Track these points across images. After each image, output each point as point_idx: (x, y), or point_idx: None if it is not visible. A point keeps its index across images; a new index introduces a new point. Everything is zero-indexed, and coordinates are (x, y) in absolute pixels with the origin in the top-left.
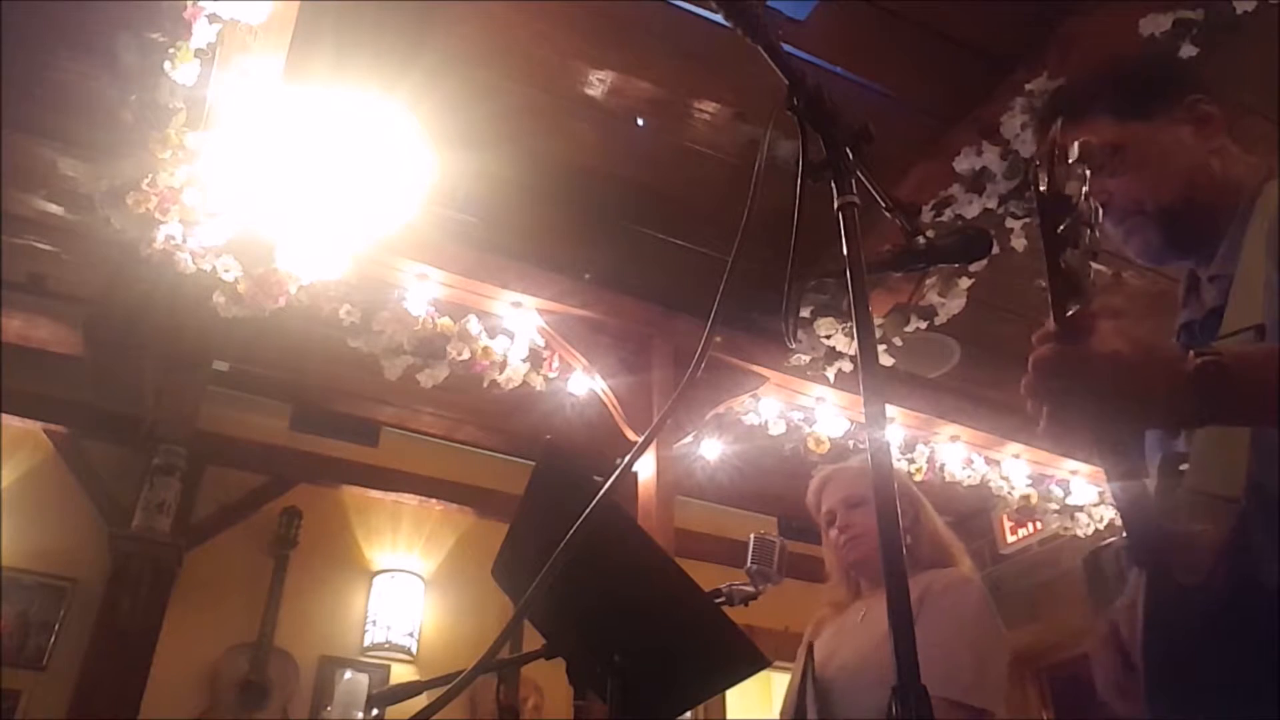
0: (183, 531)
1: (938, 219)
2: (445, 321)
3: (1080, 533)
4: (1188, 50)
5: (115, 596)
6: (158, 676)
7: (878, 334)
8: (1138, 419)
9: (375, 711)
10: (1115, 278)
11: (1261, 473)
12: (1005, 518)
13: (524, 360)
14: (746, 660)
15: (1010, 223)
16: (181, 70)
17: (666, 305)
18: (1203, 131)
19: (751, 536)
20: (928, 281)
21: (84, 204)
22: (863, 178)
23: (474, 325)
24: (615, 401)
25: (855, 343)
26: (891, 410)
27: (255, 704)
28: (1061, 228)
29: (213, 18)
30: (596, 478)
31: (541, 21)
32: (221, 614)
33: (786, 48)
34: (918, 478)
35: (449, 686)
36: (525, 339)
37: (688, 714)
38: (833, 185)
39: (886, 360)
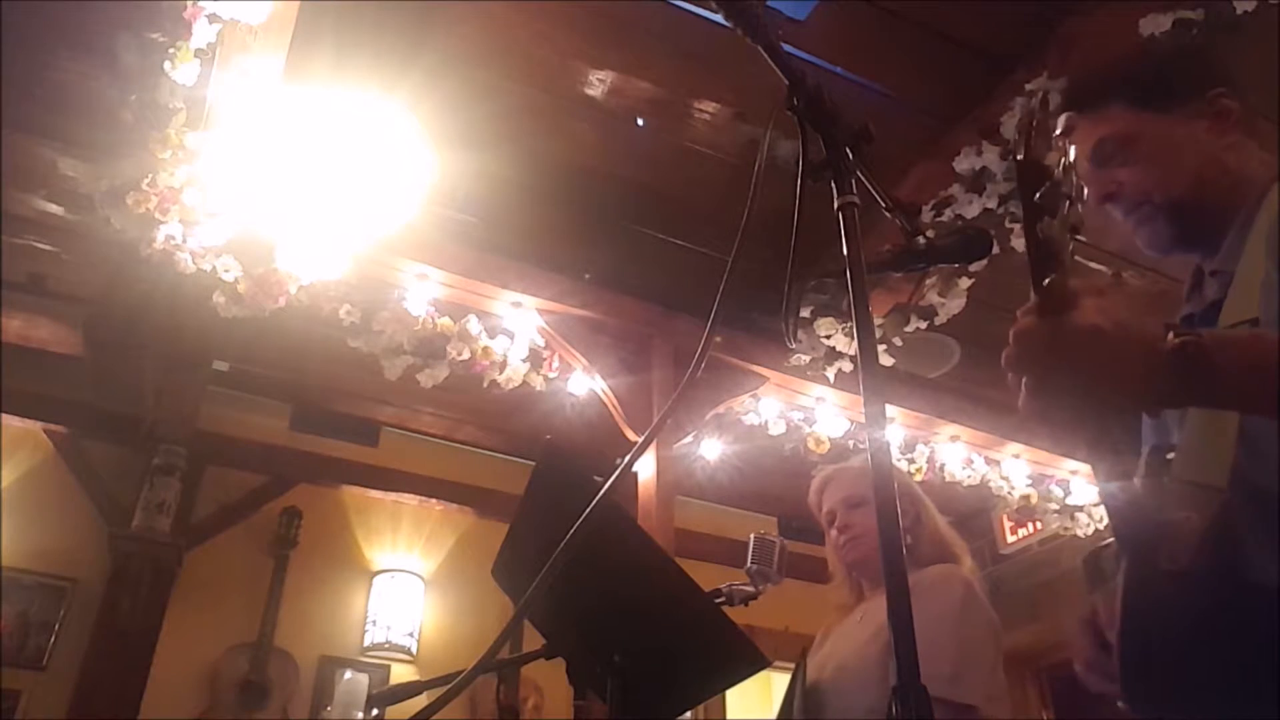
0: (183, 531)
1: (938, 219)
2: (445, 321)
3: (1080, 533)
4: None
5: (115, 596)
6: (158, 676)
7: (878, 334)
8: (1114, 395)
9: (375, 711)
10: (1115, 277)
11: (1247, 463)
12: (1005, 518)
13: (524, 360)
14: (746, 660)
15: (1010, 223)
16: (181, 70)
17: (666, 305)
18: (1219, 126)
19: (751, 536)
20: (928, 281)
21: (84, 204)
22: (863, 178)
23: (474, 325)
24: (615, 401)
25: (855, 343)
26: (891, 410)
27: (255, 704)
28: (1038, 195)
29: (213, 18)
30: (596, 478)
31: (541, 21)
32: (221, 614)
33: (786, 48)
34: (918, 478)
35: (449, 686)
36: (525, 339)
37: (688, 714)
38: (833, 185)
39: (886, 360)
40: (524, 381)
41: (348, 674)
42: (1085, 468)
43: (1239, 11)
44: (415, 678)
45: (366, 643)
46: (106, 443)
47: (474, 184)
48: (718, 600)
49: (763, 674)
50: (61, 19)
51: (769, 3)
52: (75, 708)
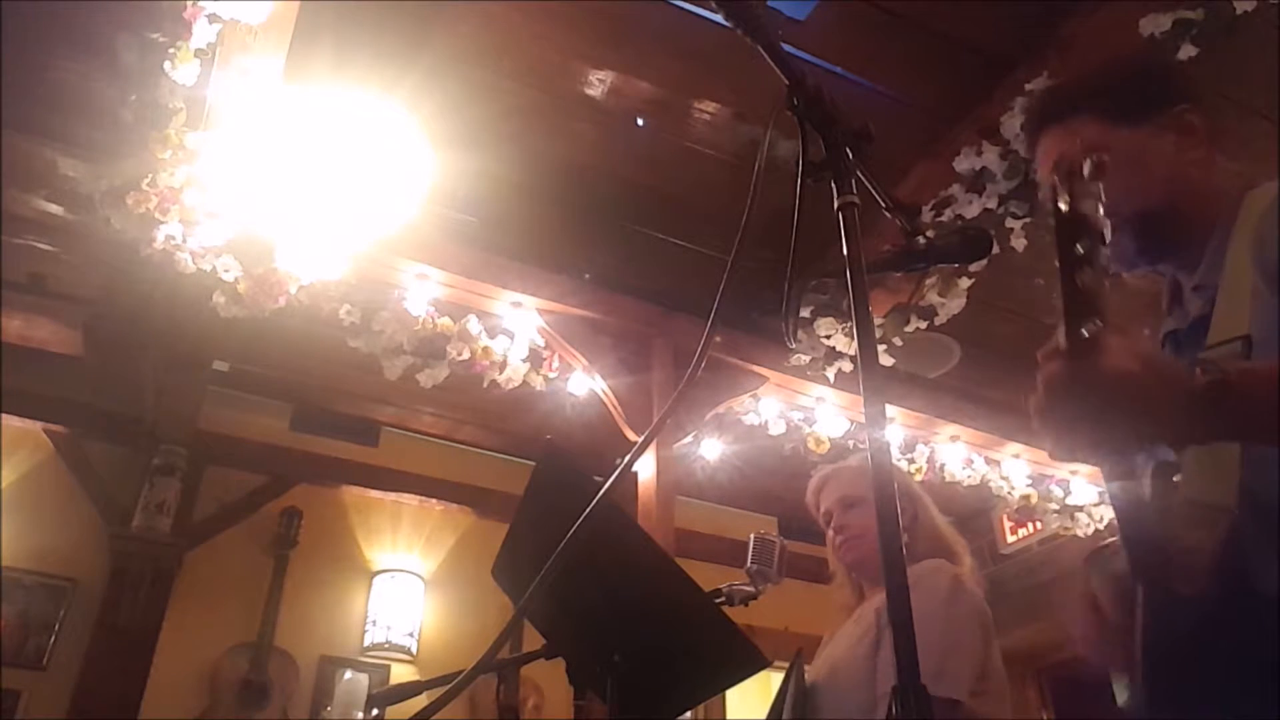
0: (183, 531)
1: (938, 219)
2: (445, 321)
3: (1080, 533)
4: (1187, 50)
5: (115, 596)
6: (158, 676)
7: (878, 334)
8: (1145, 437)
9: (375, 711)
10: (1115, 278)
11: (1253, 481)
12: (1005, 518)
13: (524, 360)
14: (746, 660)
15: (1010, 223)
16: (181, 70)
17: (666, 305)
18: (1185, 142)
19: (751, 536)
20: (928, 281)
21: (84, 204)
22: (863, 178)
23: (474, 325)
24: (615, 401)
25: (855, 343)
26: (891, 410)
27: (255, 704)
28: (1080, 247)
29: (213, 18)
30: (596, 478)
31: (541, 21)
32: (221, 614)
33: (786, 48)
34: (918, 478)
35: (449, 686)
36: (525, 339)
37: (688, 714)
38: (833, 185)
39: (886, 360)
40: (524, 381)
41: (348, 674)
42: (1085, 468)
43: (1238, 11)
44: (415, 678)
45: (366, 643)
46: (106, 443)
47: (474, 184)
48: (718, 600)
49: (763, 674)
50: (61, 19)
51: (769, 3)
52: (75, 708)
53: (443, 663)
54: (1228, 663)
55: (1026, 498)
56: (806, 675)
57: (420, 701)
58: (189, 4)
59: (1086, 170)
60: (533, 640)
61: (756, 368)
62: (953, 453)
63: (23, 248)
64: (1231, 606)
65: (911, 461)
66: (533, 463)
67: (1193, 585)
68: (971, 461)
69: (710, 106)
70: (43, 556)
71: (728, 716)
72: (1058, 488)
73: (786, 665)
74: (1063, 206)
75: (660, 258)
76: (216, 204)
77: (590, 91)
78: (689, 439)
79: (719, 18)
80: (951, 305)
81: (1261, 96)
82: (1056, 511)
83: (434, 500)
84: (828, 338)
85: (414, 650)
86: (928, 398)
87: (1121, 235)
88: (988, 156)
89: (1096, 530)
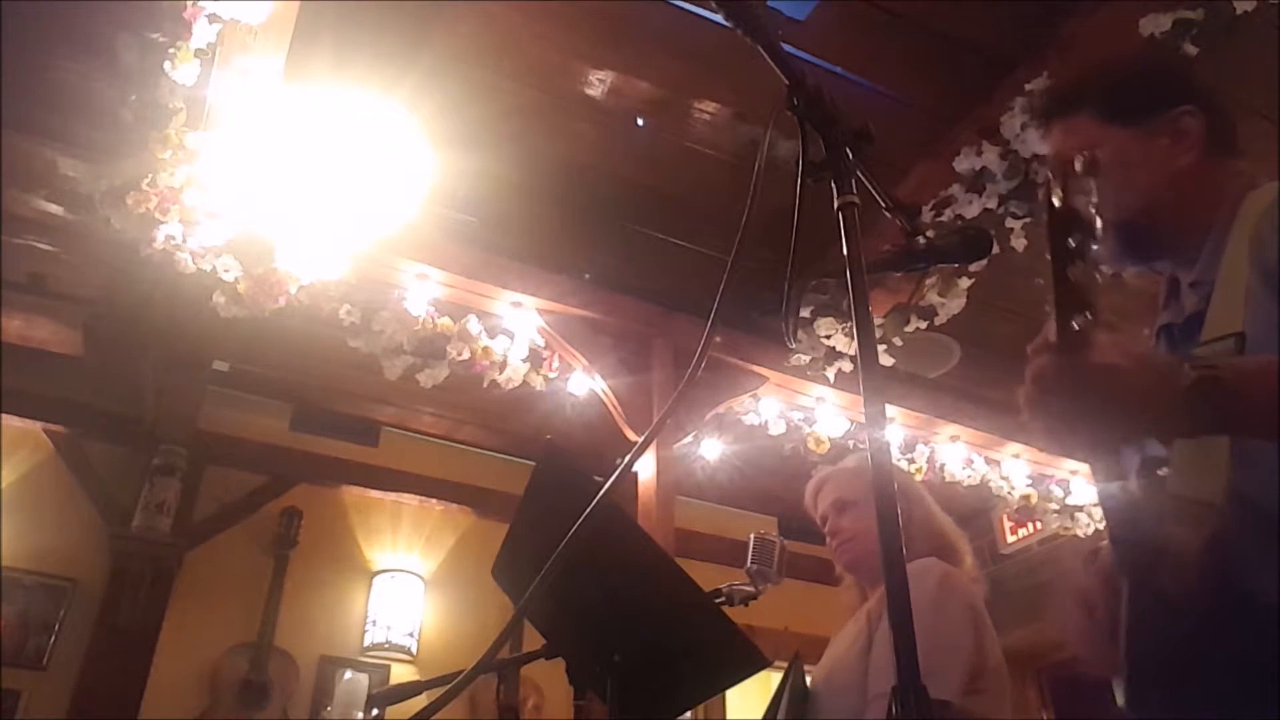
0: (183, 531)
1: (938, 219)
2: (445, 321)
3: (1080, 533)
4: (1187, 50)
5: (115, 596)
6: (158, 676)
7: (878, 334)
8: (1133, 431)
9: (375, 711)
10: (1114, 277)
11: (1242, 478)
12: (1005, 518)
13: (524, 360)
14: (746, 660)
15: (1010, 223)
16: (181, 70)
17: (666, 305)
18: (1178, 145)
19: (751, 536)
20: (928, 281)
21: (84, 204)
22: (863, 178)
23: (474, 325)
24: (615, 401)
25: (855, 343)
26: (891, 410)
27: (255, 704)
28: (1072, 242)
29: (213, 18)
30: (596, 478)
31: (541, 21)
32: (221, 614)
33: (786, 48)
34: (918, 478)
35: (449, 686)
36: (525, 339)
37: (688, 714)
38: (833, 185)
39: (886, 360)
40: (524, 381)
41: (348, 674)
42: (1085, 468)
43: (1239, 11)
44: (415, 678)
45: (366, 643)
46: (106, 443)
47: (474, 184)
48: (718, 600)
49: (763, 674)
50: (61, 19)
51: (769, 3)
52: (75, 708)
53: (443, 663)
54: (1210, 661)
55: (1026, 498)
56: (810, 678)
57: (420, 701)
58: (189, 4)
59: (1079, 166)
60: (533, 640)
61: (756, 368)
62: (953, 453)
63: (23, 248)
64: (1217, 605)
65: (911, 461)
66: (533, 463)
67: (1179, 582)
68: (971, 461)
69: (710, 106)
70: (43, 556)
71: (728, 716)
72: (1058, 488)
73: (786, 665)
74: (1055, 201)
75: (660, 258)
76: (216, 204)
77: (590, 91)
78: (689, 439)
79: (719, 18)
80: (951, 305)
81: (1261, 96)
82: (1056, 511)
83: (434, 500)
84: (828, 338)
85: (414, 650)
86: (928, 398)
87: (1110, 235)
88: (988, 156)
89: (1096, 530)
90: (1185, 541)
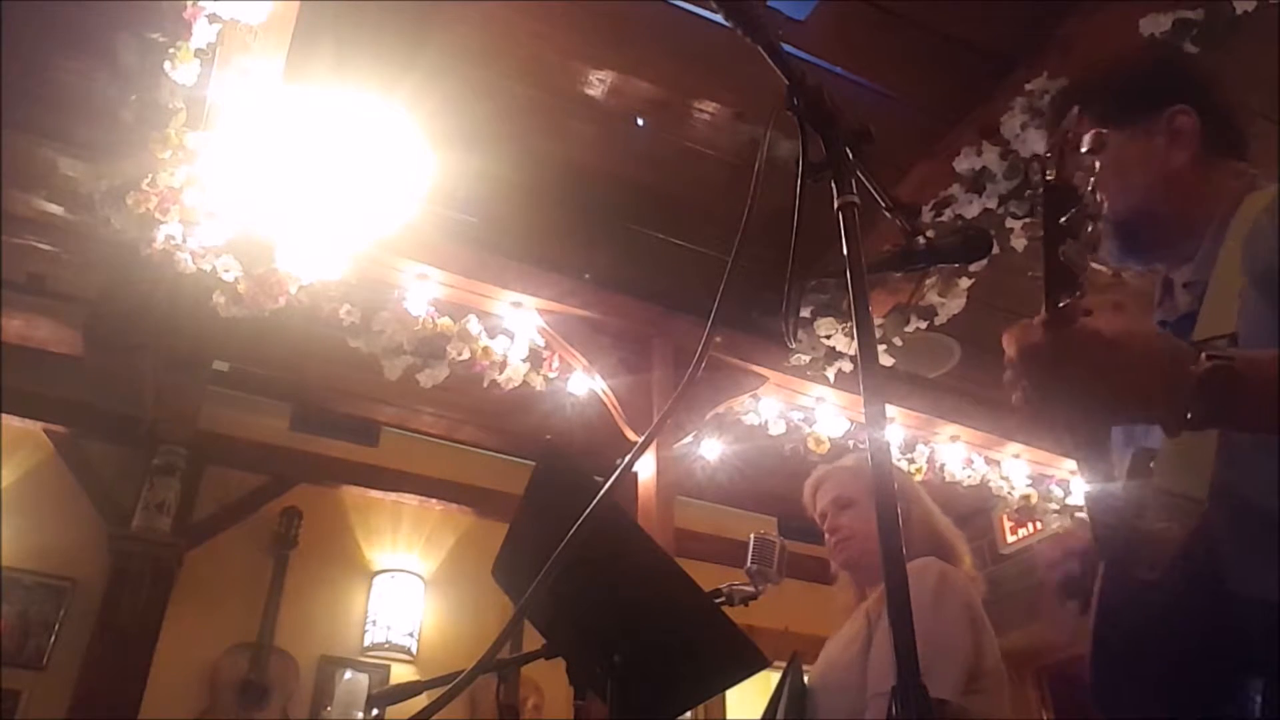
0: (183, 531)
1: (938, 219)
2: (445, 321)
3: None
4: (1187, 50)
5: (115, 596)
6: (158, 676)
7: (878, 334)
8: (1130, 411)
9: (375, 711)
10: (1115, 275)
11: (1227, 473)
12: (1005, 518)
13: (524, 360)
14: (746, 660)
15: (1010, 223)
16: (181, 70)
17: (666, 305)
18: (1176, 143)
19: (751, 536)
20: (928, 281)
21: (84, 204)
22: (863, 178)
23: (474, 325)
24: (615, 401)
25: (855, 343)
26: (891, 410)
27: (255, 704)
28: (1065, 219)
29: (213, 18)
30: (596, 478)
31: (541, 21)
32: (221, 614)
33: (786, 48)
34: (918, 478)
35: (449, 686)
36: (525, 339)
37: (688, 714)
38: (833, 185)
39: (886, 360)
40: (524, 381)
41: (348, 674)
42: None
43: (1239, 11)
44: (415, 678)
45: (366, 643)
46: (106, 443)
47: (474, 184)
48: (718, 600)
49: (763, 674)
50: (61, 19)
51: (769, 3)
52: (75, 708)
53: (443, 663)
54: (1181, 655)
55: (1026, 498)
56: (808, 677)
57: (420, 701)
58: (189, 4)
59: (1086, 144)
60: (533, 640)
61: (756, 368)
62: (953, 453)
63: (23, 248)
64: (1191, 599)
65: (911, 461)
66: (533, 463)
67: (1156, 570)
68: (971, 461)
69: (710, 106)
70: (43, 556)
71: (728, 716)
72: (1058, 488)
73: (785, 665)
74: (1049, 175)
75: (660, 258)
76: (216, 204)
77: (590, 91)
78: (689, 439)
79: (719, 18)
80: (951, 305)
81: (1262, 96)
82: (1056, 511)
83: (434, 500)
84: (828, 338)
85: (414, 650)
86: (928, 398)
87: (1110, 235)
88: (988, 156)
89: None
90: (1166, 533)
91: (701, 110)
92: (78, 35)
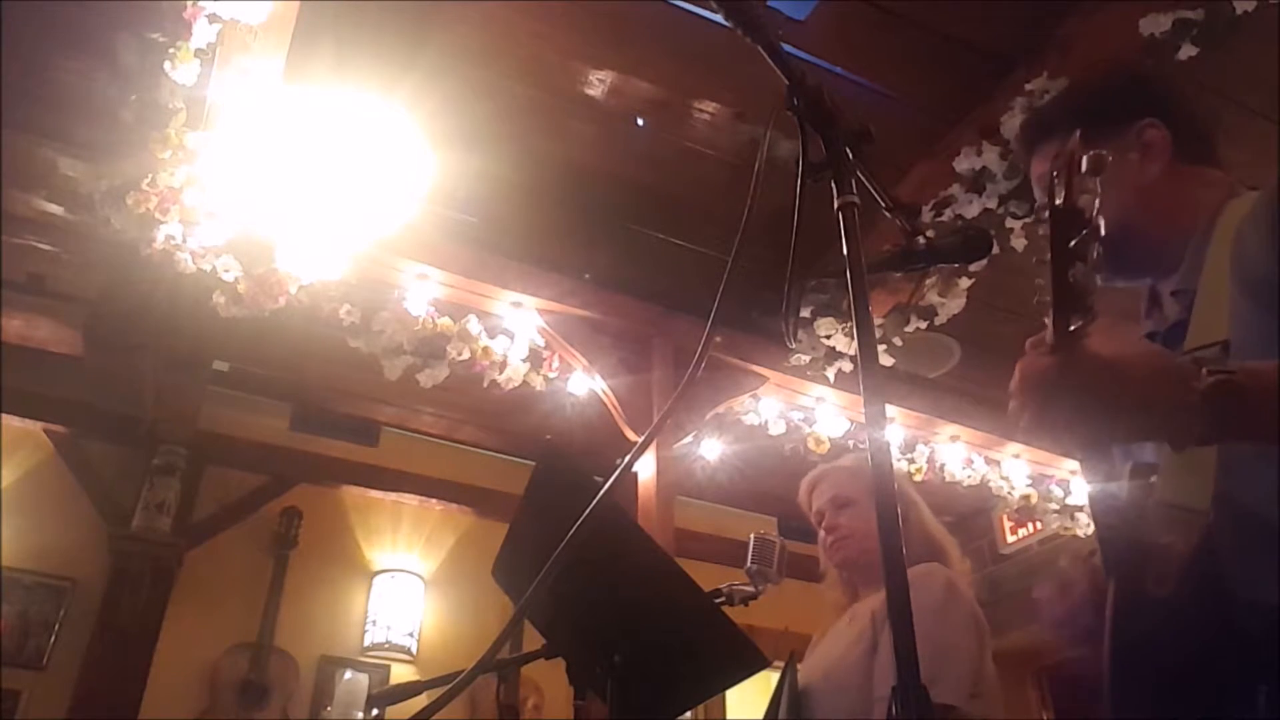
0: (183, 531)
1: (938, 219)
2: (445, 321)
3: (1080, 533)
4: (1188, 50)
5: (115, 596)
6: (158, 676)
7: (878, 334)
8: (1137, 432)
9: (375, 711)
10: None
11: (1229, 485)
12: (1005, 518)
13: (524, 360)
14: (746, 660)
15: (1010, 223)
16: (181, 70)
17: (666, 305)
18: (1148, 156)
19: (751, 536)
20: (928, 281)
21: (84, 204)
22: (863, 178)
23: (474, 325)
24: (615, 401)
25: (855, 343)
26: (891, 410)
27: (255, 704)
28: (1074, 243)
29: (213, 18)
30: (596, 478)
31: (541, 21)
32: (221, 614)
33: (786, 48)
34: (917, 478)
35: (449, 686)
36: (525, 339)
37: (688, 714)
38: (833, 185)
39: (886, 360)
40: (524, 381)
41: (348, 674)
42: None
43: (1239, 11)
44: (415, 678)
45: (366, 643)
46: (106, 443)
47: (474, 184)
48: (718, 600)
49: (763, 674)
50: (61, 19)
51: (769, 3)
52: (75, 708)
53: (443, 663)
54: (1194, 668)
55: (1026, 498)
56: (799, 676)
57: (420, 701)
58: (189, 4)
59: (1085, 165)
60: (533, 640)
61: (756, 368)
62: (953, 453)
63: (23, 248)
64: (1202, 611)
65: (911, 461)
66: (533, 463)
67: (1164, 585)
68: (971, 461)
69: (710, 106)
70: (43, 556)
71: (728, 716)
72: (1058, 488)
73: (784, 665)
74: (1058, 200)
75: (660, 258)
76: (216, 204)
77: (590, 91)
78: (689, 439)
79: (719, 18)
80: (951, 305)
81: (1261, 96)
82: (1056, 511)
83: (434, 500)
84: (828, 338)
85: (414, 650)
86: (928, 398)
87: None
88: (988, 156)
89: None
90: (1172, 547)
91: (701, 110)
92: (78, 35)
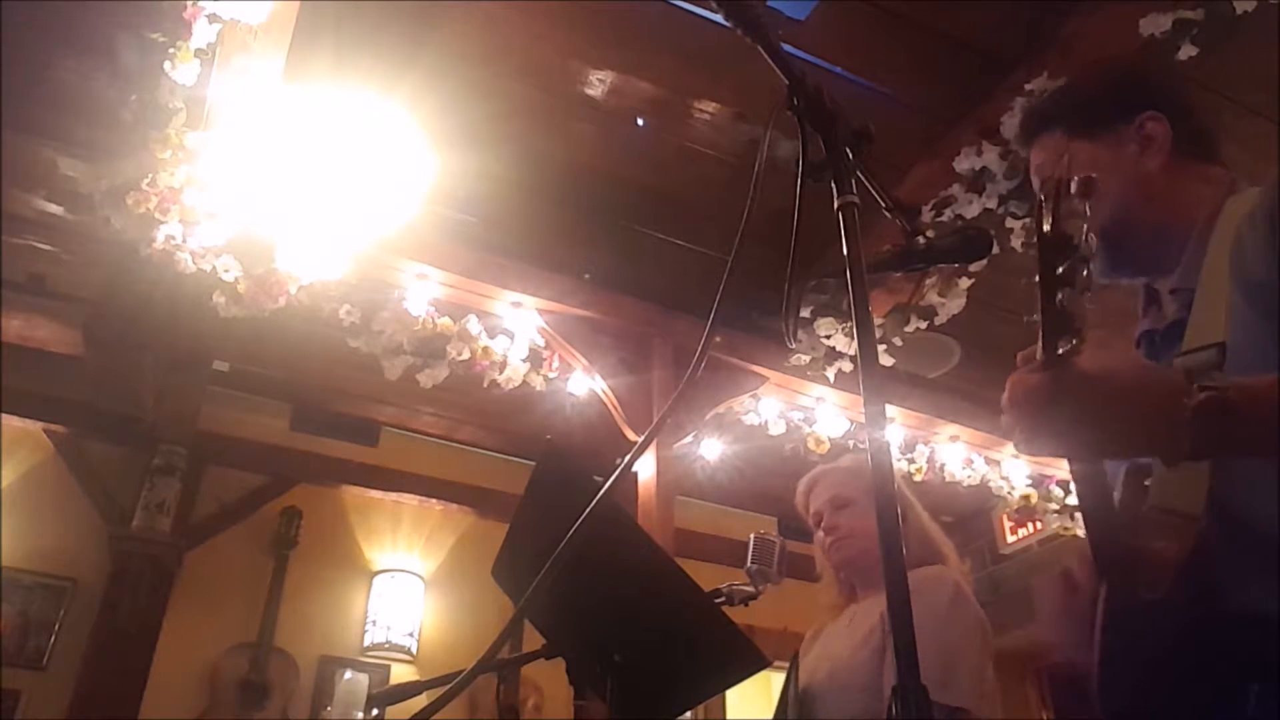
0: (183, 531)
1: (938, 219)
2: (445, 321)
3: (1080, 533)
4: (1188, 50)
5: (115, 596)
6: (158, 676)
7: (878, 334)
8: (1128, 449)
9: (375, 711)
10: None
11: (1222, 490)
12: (1005, 518)
13: (524, 360)
14: (746, 660)
15: (1010, 223)
16: (181, 70)
17: (666, 305)
18: (1148, 150)
19: (751, 536)
20: (928, 281)
21: (84, 204)
22: (863, 178)
23: (474, 325)
24: (615, 401)
25: (855, 343)
26: (891, 410)
27: (255, 704)
28: (1061, 269)
29: (213, 18)
30: (596, 478)
31: (541, 21)
32: (221, 614)
33: (786, 48)
34: (918, 478)
35: (449, 686)
36: (525, 339)
37: (688, 714)
38: (833, 185)
39: (886, 360)
40: (524, 381)
41: (348, 674)
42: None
43: (1239, 11)
44: (415, 678)
45: (366, 643)
46: (106, 443)
47: (474, 184)
48: (718, 600)
49: (763, 674)
50: (61, 19)
51: (769, 3)
52: (75, 708)
53: (443, 663)
54: (1186, 674)
55: (1026, 498)
56: (800, 676)
57: (420, 701)
58: (189, 4)
59: (1073, 189)
60: (533, 640)
61: (756, 368)
62: (953, 453)
63: (23, 248)
64: (1194, 617)
65: (911, 461)
66: (533, 463)
67: (1156, 589)
68: (971, 461)
69: (710, 106)
70: (43, 556)
71: (728, 716)
72: (1058, 488)
73: (786, 665)
74: (1045, 227)
75: (660, 258)
76: (216, 204)
77: (590, 91)
78: (689, 439)
79: (719, 18)
80: (951, 305)
81: (1261, 96)
82: (1056, 511)
83: (434, 500)
84: (828, 338)
85: (414, 650)
86: (928, 398)
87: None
88: (988, 156)
89: None
90: (1164, 552)
91: (701, 110)
92: (78, 35)
